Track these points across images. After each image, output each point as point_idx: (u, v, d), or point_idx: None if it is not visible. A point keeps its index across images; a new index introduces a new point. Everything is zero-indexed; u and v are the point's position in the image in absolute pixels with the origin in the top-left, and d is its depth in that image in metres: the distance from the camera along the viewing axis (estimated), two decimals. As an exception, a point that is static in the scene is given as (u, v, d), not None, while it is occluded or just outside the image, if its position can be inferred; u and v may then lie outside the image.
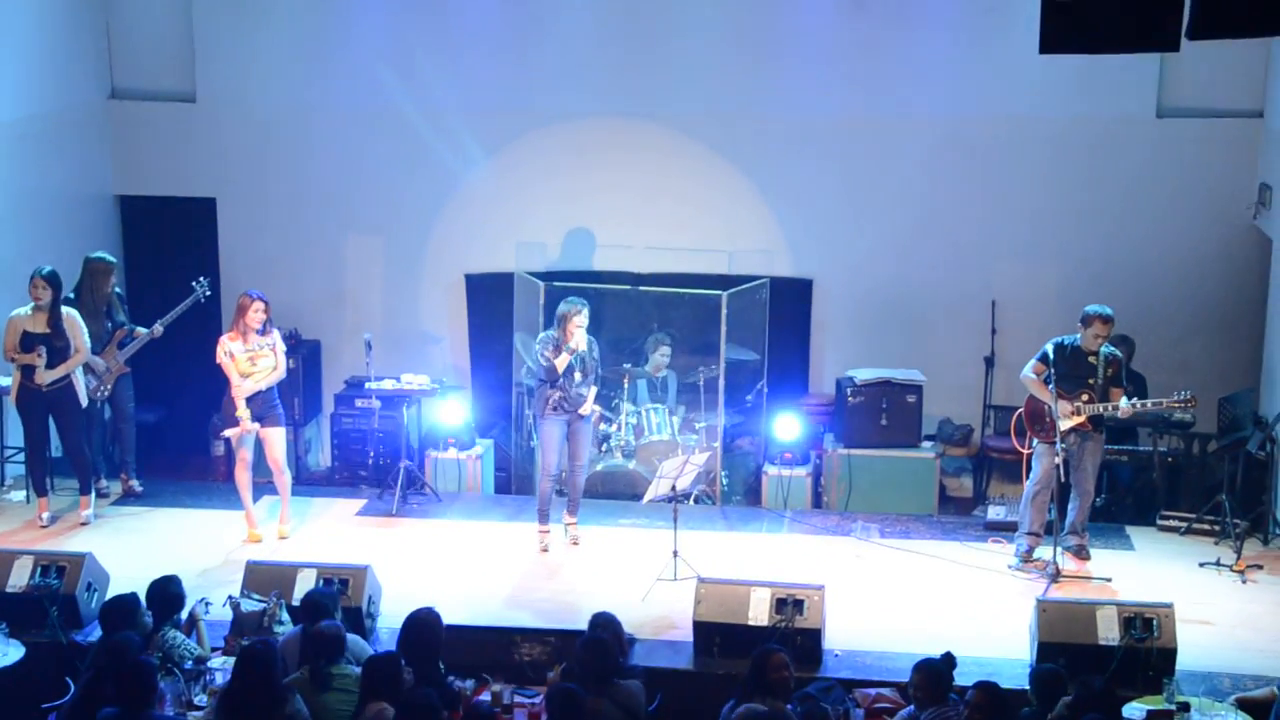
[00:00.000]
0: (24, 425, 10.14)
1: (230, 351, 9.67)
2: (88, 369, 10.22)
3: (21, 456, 10.82)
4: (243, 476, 9.86)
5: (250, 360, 9.71)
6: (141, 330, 10.60)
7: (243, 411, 9.69)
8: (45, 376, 9.86)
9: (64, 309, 9.95)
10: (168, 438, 12.12)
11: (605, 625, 7.29)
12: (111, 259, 10.79)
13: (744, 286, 11.35)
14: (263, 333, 9.76)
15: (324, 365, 12.50)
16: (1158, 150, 11.80)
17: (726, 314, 11.03)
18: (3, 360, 10.07)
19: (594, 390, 9.86)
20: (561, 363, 9.56)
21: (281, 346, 9.91)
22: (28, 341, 9.84)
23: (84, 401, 10.08)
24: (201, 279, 10.79)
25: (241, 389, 9.66)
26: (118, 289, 10.84)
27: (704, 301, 11.23)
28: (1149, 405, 9.52)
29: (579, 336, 9.59)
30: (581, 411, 9.75)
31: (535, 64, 12.18)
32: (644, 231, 12.15)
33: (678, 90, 12.07)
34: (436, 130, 12.32)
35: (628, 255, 12.17)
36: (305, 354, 12.09)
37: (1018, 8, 10.80)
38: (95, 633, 7.91)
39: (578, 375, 9.69)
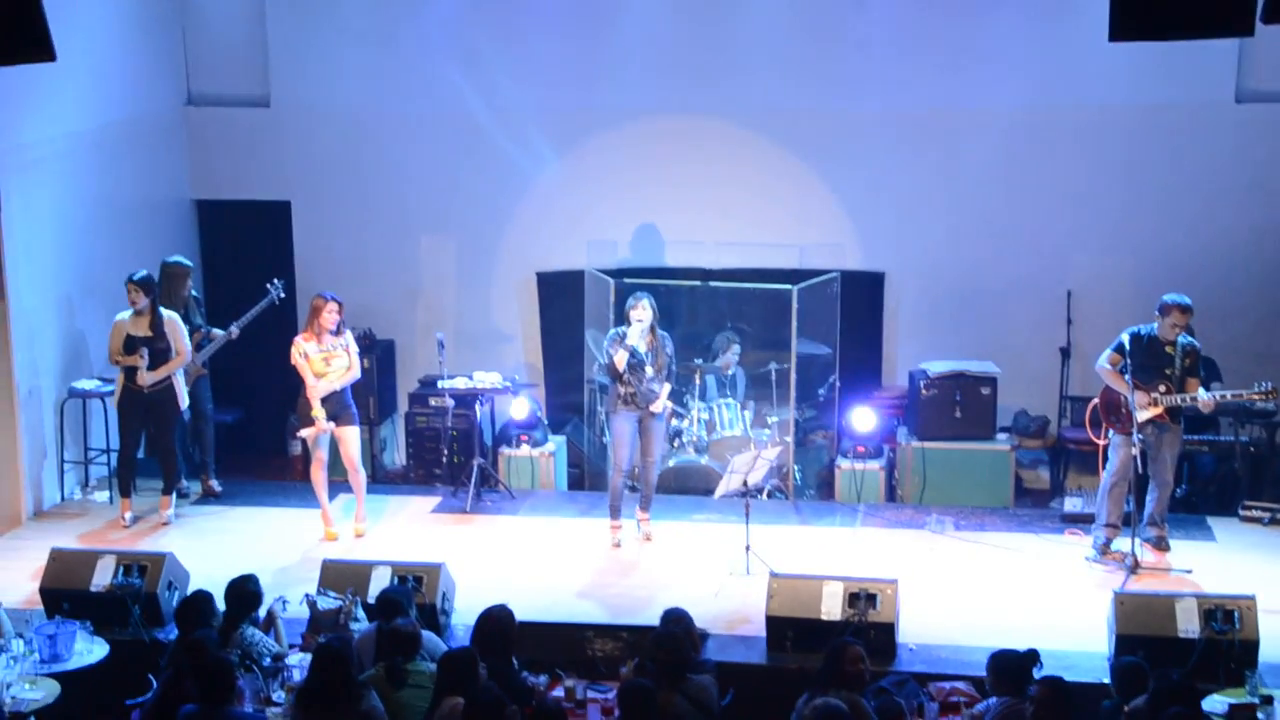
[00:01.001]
0: (120, 426, 10.33)
1: (305, 352, 9.79)
2: (173, 371, 10.41)
3: (104, 458, 11.04)
4: (318, 475, 9.98)
5: (325, 360, 9.82)
6: (218, 332, 10.77)
7: (318, 411, 9.80)
8: (147, 378, 10.06)
9: (164, 312, 10.16)
10: (245, 438, 12.29)
11: (677, 620, 7.29)
12: (188, 263, 10.98)
13: (815, 280, 11.31)
14: (336, 333, 9.87)
15: (398, 364, 12.60)
16: (1236, 136, 11.60)
17: (797, 308, 10.99)
18: (108, 363, 10.29)
19: (667, 388, 9.86)
20: (620, 359, 9.56)
21: (354, 347, 10.02)
22: (130, 344, 10.04)
23: (184, 403, 10.28)
24: (276, 281, 10.94)
25: (316, 389, 9.78)
26: (194, 292, 11.03)
27: (775, 296, 11.20)
28: (1228, 396, 9.35)
29: (636, 330, 9.58)
30: (653, 409, 9.76)
31: (603, 61, 12.21)
32: (714, 227, 12.14)
33: (745, 85, 12.05)
34: (506, 129, 12.39)
35: (698, 251, 12.16)
36: (379, 354, 12.20)
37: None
38: (175, 631, 8.02)
39: (649, 370, 9.69)
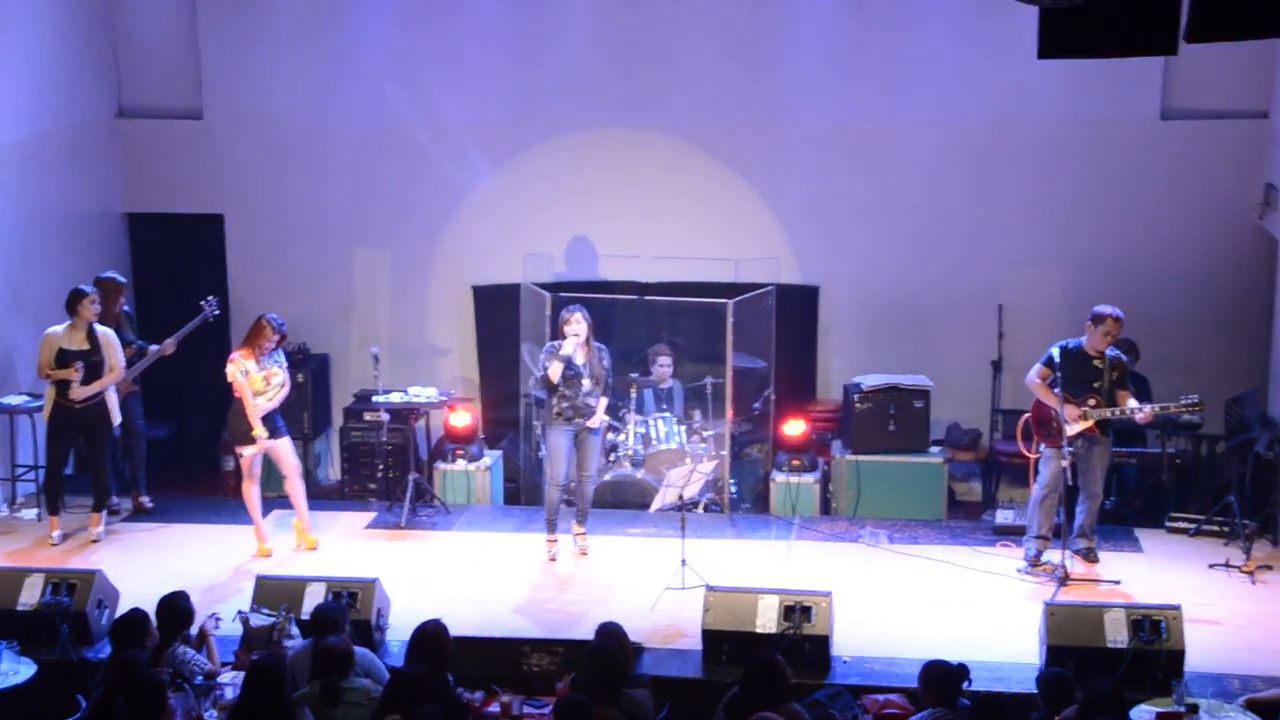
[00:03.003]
0: (49, 442, 10.19)
1: (246, 370, 9.71)
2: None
3: (33, 475, 10.89)
4: (252, 491, 9.91)
5: (265, 379, 9.77)
6: (152, 348, 10.66)
7: (259, 430, 9.74)
8: (80, 393, 9.92)
9: (99, 327, 10.03)
10: (177, 454, 12.16)
11: (612, 634, 7.28)
12: (121, 279, 10.86)
13: (750, 295, 11.36)
14: (273, 353, 9.83)
15: (333, 379, 12.54)
16: (1162, 152, 11.79)
17: (733, 322, 11.04)
18: (38, 378, 10.17)
19: (604, 402, 9.87)
20: (554, 371, 9.57)
21: (284, 362, 9.98)
22: (63, 358, 9.91)
23: (116, 419, 10.15)
24: (210, 298, 10.85)
25: (257, 407, 9.71)
26: (126, 308, 10.91)
27: (710, 310, 11.24)
28: (1157, 410, 9.48)
29: (571, 342, 9.60)
30: (590, 424, 9.77)
31: (539, 77, 12.22)
32: (650, 241, 12.16)
33: (681, 100, 12.10)
34: (442, 144, 12.37)
35: (634, 265, 12.18)
36: (314, 368, 12.13)
37: (1018, 11, 10.59)
38: (105, 650, 7.95)
39: (586, 383, 9.70)
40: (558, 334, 9.77)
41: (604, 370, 9.81)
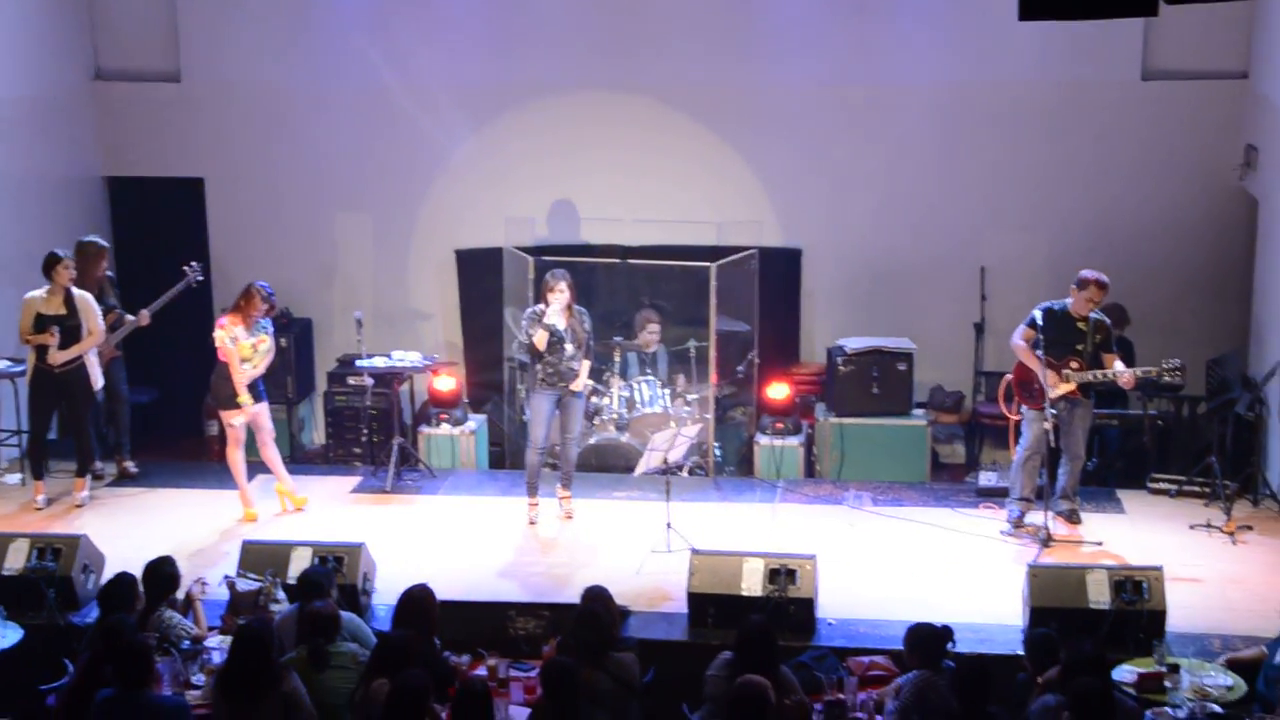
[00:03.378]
0: (31, 407, 10.17)
1: (235, 336, 9.68)
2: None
3: (16, 440, 10.86)
4: (237, 456, 9.90)
5: (253, 347, 9.74)
6: (129, 318, 10.60)
7: (244, 397, 9.73)
8: (58, 357, 9.88)
9: (77, 291, 9.97)
10: (161, 419, 12.12)
11: (597, 598, 7.32)
12: (103, 243, 10.78)
13: (733, 258, 11.35)
14: (261, 320, 9.82)
15: (316, 343, 12.50)
16: (1144, 113, 11.82)
17: (716, 285, 11.04)
18: (19, 343, 10.13)
19: (587, 365, 9.87)
20: (540, 340, 9.57)
21: (272, 329, 9.96)
22: (41, 323, 9.87)
23: (98, 384, 10.11)
24: (193, 264, 10.79)
25: (244, 374, 9.69)
26: (109, 272, 10.83)
27: (693, 274, 11.24)
28: (1139, 374, 9.51)
29: (554, 308, 9.59)
30: (574, 388, 9.77)
31: (519, 38, 12.16)
32: (632, 204, 12.16)
33: (663, 62, 12.06)
34: (422, 106, 12.32)
35: (616, 228, 12.17)
36: (297, 333, 12.09)
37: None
38: (92, 614, 7.95)
39: (569, 348, 9.69)
40: (540, 298, 9.76)
41: (586, 334, 9.80)
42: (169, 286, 10.64)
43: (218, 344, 9.71)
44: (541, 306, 9.66)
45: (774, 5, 11.95)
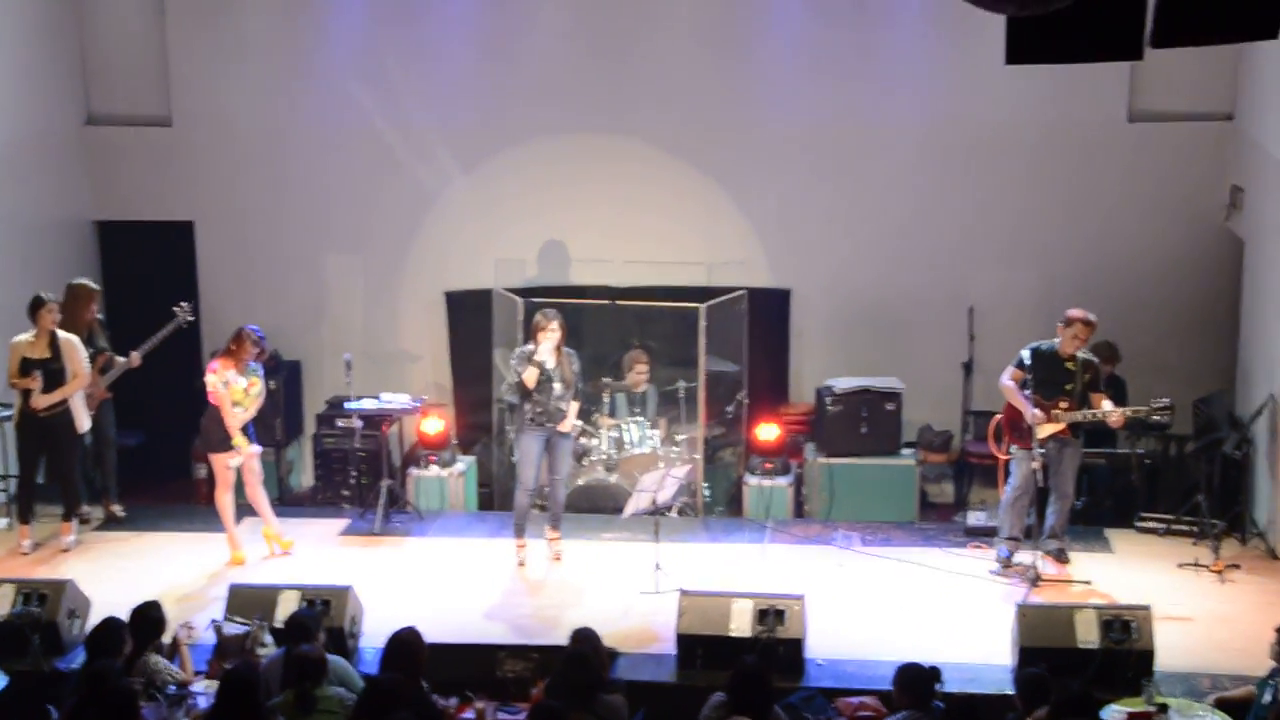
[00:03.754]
0: (19, 452, 10.16)
1: (227, 380, 9.69)
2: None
3: (3, 484, 10.83)
4: (225, 499, 9.88)
5: (245, 390, 9.75)
6: (119, 359, 10.60)
7: (239, 440, 9.72)
8: (41, 401, 9.88)
9: (61, 334, 9.97)
10: (147, 462, 12.08)
11: (586, 639, 7.31)
12: (94, 285, 10.77)
13: (723, 299, 11.38)
14: (252, 363, 9.84)
15: (305, 385, 12.51)
16: (1130, 155, 11.89)
17: (705, 326, 11.06)
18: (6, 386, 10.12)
19: (575, 406, 9.88)
20: (529, 378, 9.58)
21: (262, 372, 9.98)
22: (25, 367, 9.86)
23: (83, 427, 10.09)
24: (184, 304, 10.79)
25: (237, 417, 9.69)
26: (99, 315, 10.83)
27: (683, 315, 11.26)
28: (1128, 413, 9.53)
29: (545, 349, 9.61)
30: (562, 429, 9.78)
31: (510, 80, 12.23)
32: (622, 245, 12.19)
33: (652, 104, 12.14)
34: (413, 148, 12.37)
35: (606, 269, 12.21)
36: (286, 375, 12.09)
37: (989, 16, 10.83)
38: (77, 660, 7.91)
39: (557, 388, 9.71)
40: (530, 338, 9.77)
41: (574, 375, 9.82)
42: (158, 328, 10.64)
43: (209, 388, 9.71)
44: (531, 346, 9.68)
45: (764, 47, 12.02)
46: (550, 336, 9.60)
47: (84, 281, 10.74)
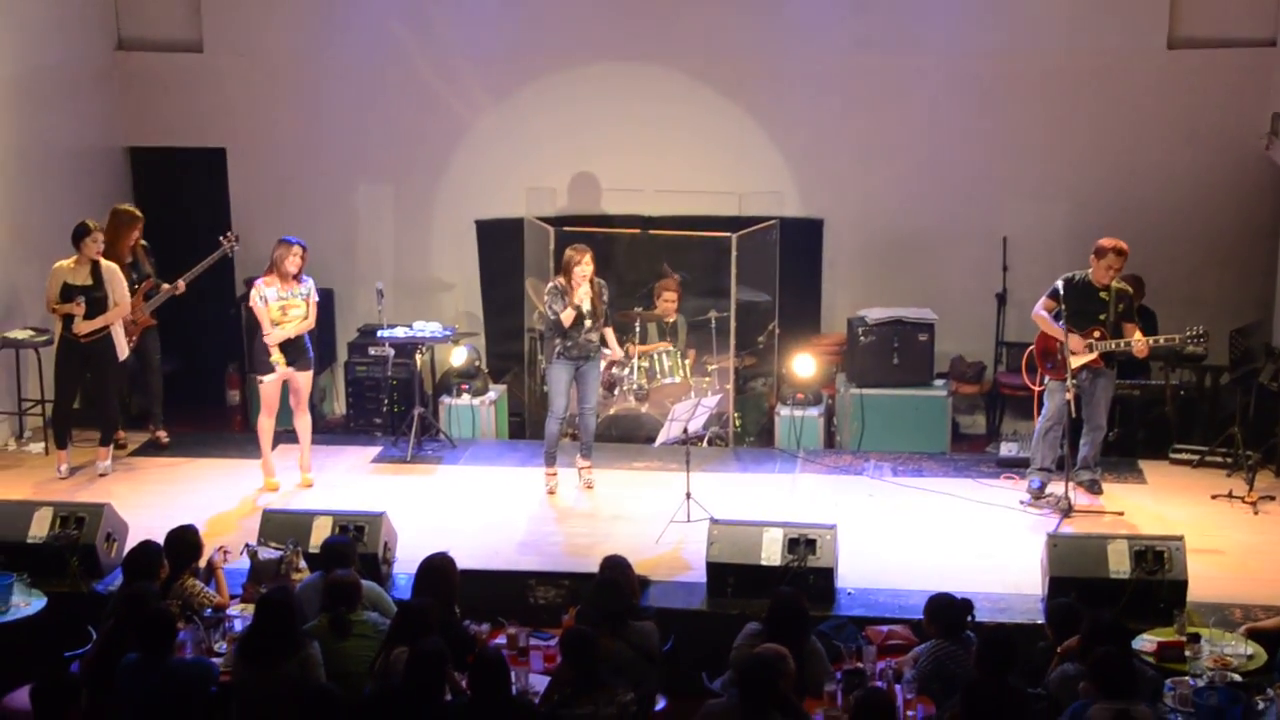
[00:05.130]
0: (57, 377, 10.22)
1: (264, 296, 9.69)
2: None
3: (40, 409, 10.92)
4: (266, 424, 9.89)
5: (282, 310, 9.71)
6: (165, 286, 10.62)
7: (277, 357, 9.72)
8: (84, 327, 9.92)
9: (104, 261, 9.98)
10: (184, 388, 12.14)
11: (616, 567, 7.35)
12: (137, 212, 10.75)
13: (754, 228, 11.32)
14: (298, 280, 9.77)
15: (337, 314, 12.52)
16: (1169, 82, 11.72)
17: (737, 256, 11.01)
18: (46, 311, 10.16)
19: (610, 332, 9.92)
20: (568, 318, 9.59)
21: (315, 297, 9.89)
22: (67, 293, 9.90)
23: (123, 354, 10.14)
24: (230, 234, 10.79)
25: (273, 335, 9.69)
26: (144, 241, 10.82)
27: (714, 244, 11.21)
28: (1161, 341, 9.48)
29: (584, 287, 9.60)
30: (613, 357, 9.96)
31: (542, 10, 12.14)
32: (653, 175, 12.12)
33: (685, 34, 12.03)
34: (444, 77, 12.31)
35: (637, 199, 12.14)
36: (318, 303, 12.04)
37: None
38: (115, 582, 8.01)
39: (587, 322, 9.71)
40: (562, 270, 9.74)
41: (604, 305, 9.82)
42: (190, 255, 10.65)
43: (250, 304, 9.73)
44: (562, 280, 9.66)
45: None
46: (585, 270, 9.59)
47: (128, 207, 10.75)
